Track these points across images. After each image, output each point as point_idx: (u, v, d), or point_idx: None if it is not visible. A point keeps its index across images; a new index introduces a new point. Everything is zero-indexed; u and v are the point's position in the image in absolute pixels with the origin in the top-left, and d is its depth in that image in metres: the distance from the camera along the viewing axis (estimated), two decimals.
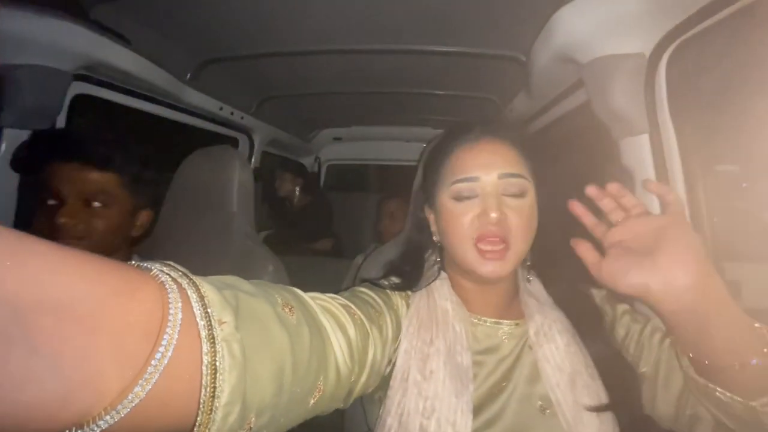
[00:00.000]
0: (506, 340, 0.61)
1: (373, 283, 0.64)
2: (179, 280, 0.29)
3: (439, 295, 0.63)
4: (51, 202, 0.77)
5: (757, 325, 0.44)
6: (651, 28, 0.71)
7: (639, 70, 0.74)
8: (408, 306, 0.63)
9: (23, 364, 0.20)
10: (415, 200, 0.74)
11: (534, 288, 0.66)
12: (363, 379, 0.49)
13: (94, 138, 0.83)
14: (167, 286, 0.27)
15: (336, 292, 0.53)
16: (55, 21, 0.84)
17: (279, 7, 1.03)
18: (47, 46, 0.86)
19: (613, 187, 0.51)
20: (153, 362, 0.24)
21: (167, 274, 0.28)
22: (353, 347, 0.46)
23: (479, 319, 0.63)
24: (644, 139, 0.77)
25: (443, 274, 0.66)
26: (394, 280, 0.68)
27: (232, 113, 1.53)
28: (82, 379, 0.22)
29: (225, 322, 0.29)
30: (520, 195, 0.57)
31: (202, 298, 0.29)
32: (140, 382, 0.23)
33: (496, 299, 0.64)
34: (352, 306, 0.51)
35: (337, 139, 2.34)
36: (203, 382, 0.27)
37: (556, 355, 0.58)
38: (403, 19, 1.06)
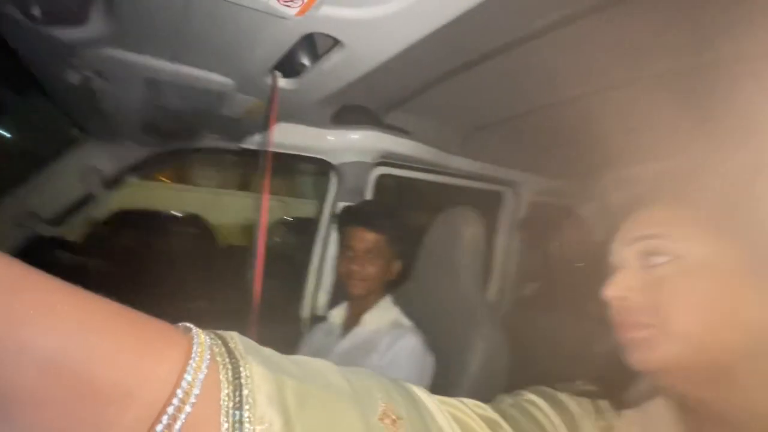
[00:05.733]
0: None
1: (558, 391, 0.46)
2: (215, 348, 0.24)
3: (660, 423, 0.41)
4: (350, 254, 1.14)
5: None
6: None
7: None
8: None
9: None
10: None
11: None
12: None
13: (375, 208, 1.19)
14: (194, 350, 0.22)
15: None
16: (362, 132, 1.28)
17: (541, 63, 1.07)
18: (359, 148, 1.32)
19: None
20: None
21: (205, 340, 0.24)
22: None
23: None
24: None
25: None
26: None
27: (495, 170, 1.66)
28: None
29: (269, 424, 0.22)
30: None
31: (238, 377, 0.23)
32: None
33: None
34: (504, 426, 0.37)
35: (627, 180, 1.98)
36: None
37: None
38: None
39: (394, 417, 0.28)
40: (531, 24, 0.78)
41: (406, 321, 1.03)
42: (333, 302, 1.36)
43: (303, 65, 0.75)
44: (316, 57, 0.74)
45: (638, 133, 1.45)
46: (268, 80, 0.74)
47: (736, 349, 0.35)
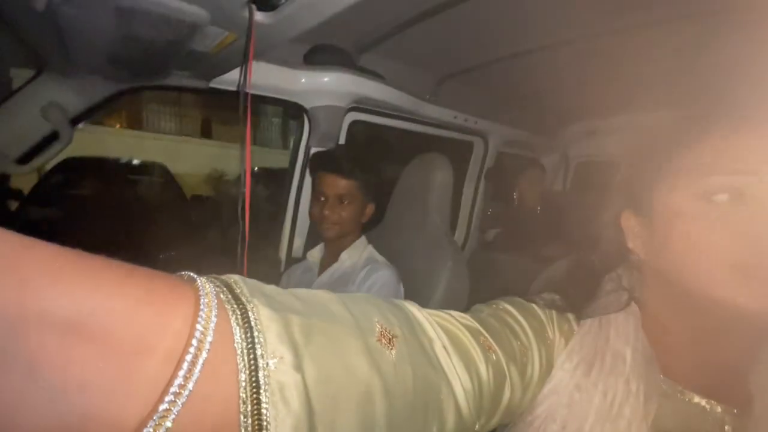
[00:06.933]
0: None
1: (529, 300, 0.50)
2: (221, 295, 0.25)
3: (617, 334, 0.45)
4: (322, 199, 1.18)
5: None
6: None
7: None
8: (566, 342, 0.46)
9: (18, 388, 0.18)
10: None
11: None
12: (493, 422, 0.40)
13: (347, 154, 1.21)
14: (202, 301, 0.23)
15: None
16: (335, 73, 1.27)
17: (502, 14, 1.07)
18: (332, 91, 1.31)
19: None
20: (171, 391, 0.21)
21: (211, 290, 0.25)
22: (484, 392, 0.37)
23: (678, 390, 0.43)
24: None
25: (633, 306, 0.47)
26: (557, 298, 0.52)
27: (465, 120, 1.71)
28: (91, 409, 0.20)
29: (280, 358, 0.24)
30: None
31: (247, 321, 0.24)
32: (154, 417, 0.20)
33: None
34: (485, 333, 0.40)
35: (590, 133, 2.09)
36: None
37: None
38: None
39: (390, 336, 0.31)
40: None
41: (380, 257, 1.11)
42: (309, 244, 1.42)
43: None
44: None
45: (609, 85, 1.53)
46: (244, 13, 0.72)
47: None
